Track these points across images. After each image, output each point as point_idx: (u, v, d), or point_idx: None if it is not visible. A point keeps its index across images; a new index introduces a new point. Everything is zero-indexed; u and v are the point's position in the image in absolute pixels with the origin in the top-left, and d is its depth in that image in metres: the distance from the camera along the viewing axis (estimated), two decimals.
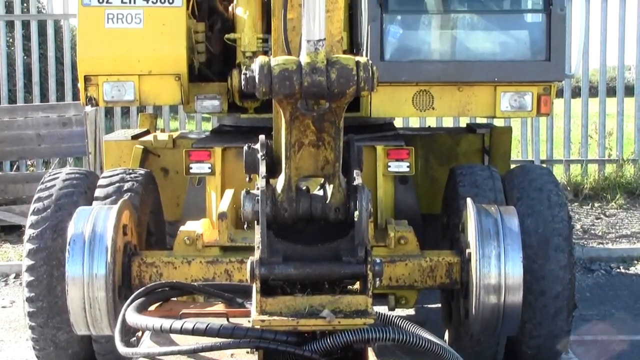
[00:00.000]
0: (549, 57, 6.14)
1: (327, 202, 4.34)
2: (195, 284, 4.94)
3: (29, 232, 5.52)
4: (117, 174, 5.92)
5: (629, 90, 12.84)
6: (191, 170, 6.03)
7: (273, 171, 4.46)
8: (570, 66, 9.62)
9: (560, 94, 12.14)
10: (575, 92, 13.83)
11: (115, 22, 5.96)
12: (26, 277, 5.44)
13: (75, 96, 12.23)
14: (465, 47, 6.36)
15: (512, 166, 7.03)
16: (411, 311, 7.20)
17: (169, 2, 5.99)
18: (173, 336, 4.15)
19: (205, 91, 6.41)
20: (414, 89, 6.19)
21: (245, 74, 4.07)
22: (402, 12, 6.36)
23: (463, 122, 10.45)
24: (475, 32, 6.48)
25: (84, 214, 5.05)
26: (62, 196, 5.65)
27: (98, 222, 4.96)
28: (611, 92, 12.77)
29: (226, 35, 6.34)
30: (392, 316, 4.51)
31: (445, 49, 6.36)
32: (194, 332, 3.96)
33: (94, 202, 5.64)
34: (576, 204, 11.49)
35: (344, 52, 4.38)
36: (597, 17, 12.36)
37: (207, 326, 3.95)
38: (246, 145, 4.59)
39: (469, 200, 5.12)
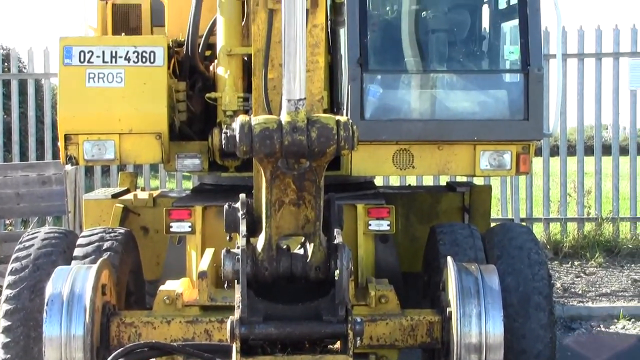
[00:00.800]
0: (527, 116, 6.20)
1: (308, 261, 4.32)
2: (174, 344, 4.89)
3: (6, 293, 5.46)
4: (97, 233, 5.88)
5: (607, 149, 12.94)
6: (171, 229, 6.00)
7: (253, 230, 4.45)
8: (548, 125, 9.70)
9: (539, 152, 12.22)
10: (554, 151, 13.93)
11: (96, 81, 5.98)
12: (2, 339, 5.37)
13: (55, 155, 12.20)
14: (444, 106, 6.41)
15: (492, 224, 7.04)
16: None
17: (150, 62, 6.01)
18: None
19: (186, 150, 6.41)
20: (394, 148, 6.22)
21: (226, 133, 4.07)
22: (382, 72, 6.41)
23: (443, 181, 10.48)
24: (454, 91, 6.53)
25: (62, 274, 5.01)
26: (40, 256, 5.60)
27: (77, 282, 4.92)
28: (589, 150, 12.87)
29: (207, 94, 6.36)
30: None
31: (425, 108, 6.40)
32: None
33: (73, 262, 5.59)
34: (556, 262, 11.51)
35: (325, 111, 4.41)
36: (574, 77, 12.49)
37: None
38: (227, 204, 4.58)
39: (449, 258, 5.12)
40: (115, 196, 7.31)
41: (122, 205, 6.94)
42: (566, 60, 12.25)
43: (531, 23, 6.23)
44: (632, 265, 11.43)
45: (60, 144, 6.09)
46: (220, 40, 6.31)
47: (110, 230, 6.01)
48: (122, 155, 6.07)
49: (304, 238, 4.36)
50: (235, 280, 4.28)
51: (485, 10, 6.93)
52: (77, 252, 5.71)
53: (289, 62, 4.01)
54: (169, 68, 6.20)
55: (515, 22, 6.41)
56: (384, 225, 6.04)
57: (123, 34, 7.05)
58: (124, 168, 11.28)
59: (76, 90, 5.99)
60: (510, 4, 6.63)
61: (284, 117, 4.03)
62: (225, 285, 4.45)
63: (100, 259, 5.15)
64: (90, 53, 5.99)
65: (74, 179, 10.65)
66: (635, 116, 12.57)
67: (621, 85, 12.48)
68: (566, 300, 9.71)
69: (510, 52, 6.65)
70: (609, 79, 12.50)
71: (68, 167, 9.25)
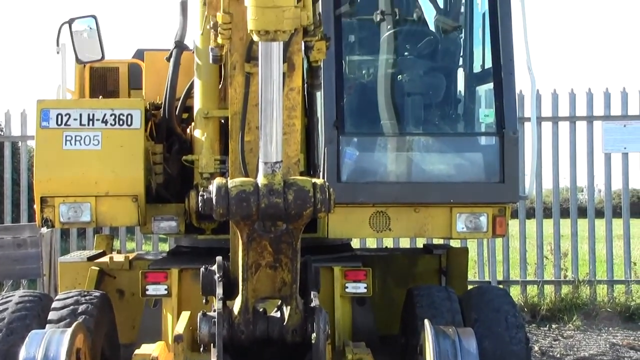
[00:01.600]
0: (502, 179, 6.24)
1: (285, 324, 4.30)
2: None
3: None
4: (72, 297, 5.83)
5: (583, 212, 13.01)
6: (147, 292, 5.96)
7: (230, 293, 4.43)
8: (524, 187, 9.76)
9: (515, 214, 12.27)
10: (530, 213, 13.98)
11: (73, 144, 5.98)
12: None
13: (31, 217, 12.13)
14: (420, 168, 6.45)
15: (469, 287, 7.04)
16: None
17: (128, 124, 6.03)
18: None
19: (162, 212, 6.40)
20: (371, 210, 6.23)
21: (203, 196, 4.08)
22: (358, 135, 6.45)
23: (420, 243, 10.48)
24: (430, 154, 6.57)
25: (36, 338, 4.94)
26: (14, 320, 5.54)
27: (51, 346, 4.86)
28: (565, 213, 12.93)
29: (184, 157, 6.37)
30: None
31: (401, 170, 6.44)
32: None
33: (48, 326, 5.53)
34: (533, 325, 11.48)
35: (301, 174, 4.41)
36: (549, 139, 12.60)
37: None
38: (203, 266, 4.56)
39: (426, 321, 5.10)
40: (91, 259, 7.27)
41: (97, 268, 6.89)
42: (541, 123, 12.37)
43: (505, 86, 6.31)
44: (610, 328, 11.42)
45: (36, 206, 6.06)
46: (198, 103, 6.34)
47: (86, 293, 5.97)
48: (98, 217, 6.05)
49: (280, 301, 4.35)
50: (212, 344, 4.24)
51: (461, 73, 7.01)
52: (52, 315, 5.66)
53: (266, 125, 4.03)
54: (146, 130, 6.21)
55: (490, 85, 6.49)
56: (361, 288, 6.02)
57: (100, 96, 7.08)
58: (100, 230, 11.22)
59: (53, 153, 5.99)
60: (485, 67, 6.72)
61: (261, 180, 4.04)
62: (202, 348, 4.41)
63: (75, 323, 5.09)
64: (68, 116, 6.00)
65: (49, 241, 10.58)
66: (610, 179, 12.66)
67: (595, 148, 12.60)
68: None
69: (486, 115, 6.72)
70: (583, 142, 12.62)
71: (44, 229, 9.20)
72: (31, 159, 11.70)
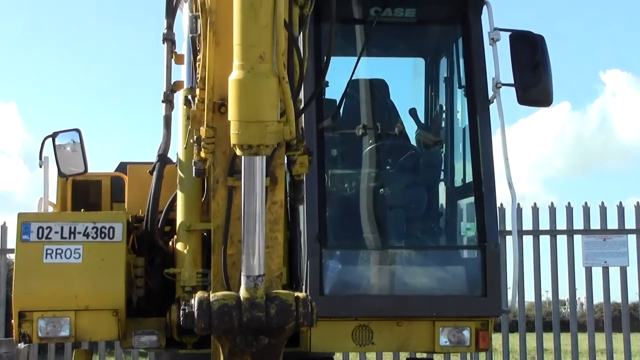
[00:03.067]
0: (485, 292, 6.22)
1: None
2: None
3: None
4: None
5: (565, 325, 12.95)
6: None
7: None
8: (506, 301, 9.73)
9: (498, 328, 12.20)
10: (513, 327, 13.91)
11: (54, 257, 5.92)
12: None
13: (8, 333, 11.94)
14: (403, 282, 6.43)
15: None
16: None
17: (109, 237, 6.00)
18: None
19: (143, 326, 6.31)
20: (354, 324, 6.18)
21: (184, 309, 4.04)
22: (341, 248, 6.45)
23: (403, 357, 10.36)
24: (413, 267, 6.57)
25: None
26: None
27: None
28: (548, 326, 12.87)
29: (166, 270, 6.32)
30: None
31: (383, 283, 6.42)
32: None
33: None
34: None
35: (284, 287, 4.39)
36: (530, 253, 12.65)
37: None
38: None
39: None
40: None
41: None
42: (522, 236, 12.43)
43: (486, 200, 6.35)
44: None
45: (14, 321, 5.97)
46: (180, 216, 6.33)
47: None
48: (77, 332, 5.96)
49: None
50: None
51: (442, 187, 7.06)
52: None
53: (248, 239, 4.03)
54: (128, 243, 6.18)
55: (471, 199, 6.54)
56: None
57: (83, 209, 7.06)
58: (78, 345, 11.05)
59: (33, 267, 5.93)
60: (466, 181, 6.77)
61: (243, 294, 4.01)
62: None
63: None
64: (49, 229, 5.97)
65: (26, 356, 10.41)
66: (591, 293, 12.67)
67: (576, 261, 12.64)
68: None
69: (467, 228, 6.74)
70: (564, 255, 12.66)
71: (21, 345, 9.05)
72: (10, 272, 11.58)
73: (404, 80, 7.74)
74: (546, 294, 13.66)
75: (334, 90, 6.84)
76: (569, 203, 12.76)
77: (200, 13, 4.63)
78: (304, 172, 5.13)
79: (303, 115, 4.72)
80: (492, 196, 6.38)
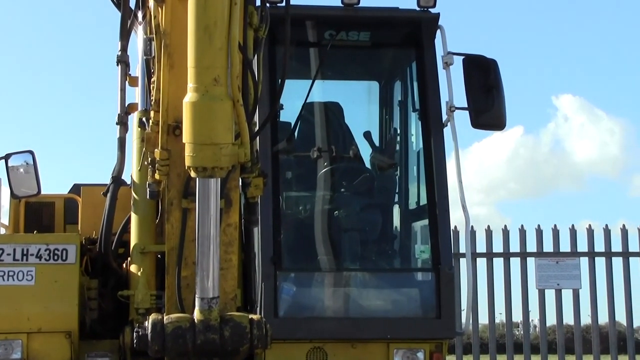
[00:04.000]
0: (439, 314, 6.25)
1: None
2: None
3: None
4: None
5: (518, 347, 13.04)
6: None
7: None
8: (460, 323, 9.79)
9: (452, 350, 12.24)
10: (467, 349, 13.99)
11: (6, 280, 5.86)
12: None
13: None
14: (358, 304, 6.44)
15: None
16: None
17: (63, 259, 5.95)
18: None
19: (96, 349, 6.26)
20: (308, 346, 6.18)
21: (138, 332, 4.02)
22: (296, 270, 6.46)
23: None
24: (367, 289, 6.58)
25: None
26: None
27: None
28: (501, 348, 12.95)
29: (119, 292, 6.28)
30: None
31: (338, 306, 6.43)
32: None
33: None
34: None
35: (238, 310, 4.38)
36: (483, 275, 12.73)
37: None
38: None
39: None
40: None
41: None
42: (475, 259, 12.51)
43: (440, 223, 6.39)
44: None
45: None
46: (134, 238, 6.30)
47: None
48: (29, 354, 5.89)
49: None
50: None
51: (397, 210, 7.10)
52: None
53: (203, 261, 4.03)
54: (81, 265, 6.13)
55: (426, 221, 6.58)
56: None
57: (35, 231, 7.00)
58: None
59: None
60: (420, 204, 6.82)
61: (197, 316, 4.00)
62: None
63: None
64: (1, 251, 5.91)
65: None
66: (544, 315, 12.77)
67: (529, 284, 12.74)
68: None
69: (421, 251, 6.78)
70: (517, 278, 12.76)
71: None
72: None
73: (359, 103, 7.78)
74: (500, 316, 13.80)
75: (289, 113, 6.86)
76: (522, 226, 12.89)
77: (154, 35, 4.63)
78: (258, 195, 5.13)
79: (258, 137, 4.74)
80: (446, 219, 6.42)
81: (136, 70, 6.51)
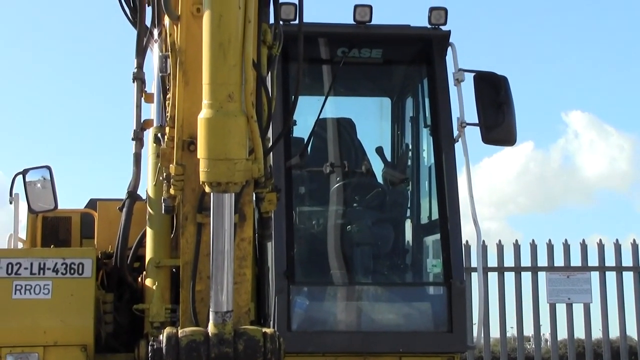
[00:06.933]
0: (450, 328, 6.24)
1: None
2: None
3: None
4: None
5: None
6: None
7: None
8: (472, 337, 9.76)
9: None
10: None
11: (23, 293, 5.88)
12: None
13: None
14: (370, 318, 6.43)
15: None
16: None
17: (79, 273, 5.96)
18: None
19: None
20: (321, 359, 6.17)
21: (153, 345, 4.03)
22: (309, 284, 6.46)
23: None
24: (379, 303, 6.58)
25: None
26: None
27: None
28: None
29: (135, 306, 6.29)
30: None
31: (350, 319, 6.42)
32: None
33: None
34: None
35: (252, 323, 4.38)
36: (495, 289, 12.70)
37: None
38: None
39: None
40: None
41: None
42: (487, 273, 12.48)
43: (452, 238, 6.39)
44: None
45: None
46: (149, 252, 6.31)
47: None
48: None
49: None
50: None
51: (408, 224, 7.09)
52: None
53: (217, 275, 4.03)
54: (97, 279, 6.14)
55: (437, 236, 6.58)
56: None
57: (52, 245, 7.02)
58: None
59: (2, 302, 5.87)
60: (432, 219, 6.81)
61: (211, 329, 4.00)
62: None
63: None
64: (19, 265, 5.93)
65: None
66: (555, 329, 12.72)
67: (540, 298, 12.70)
68: None
69: (433, 265, 6.77)
70: (529, 292, 12.73)
71: None
72: None
73: (371, 119, 7.80)
74: (511, 330, 13.73)
75: (302, 128, 6.88)
76: (533, 240, 12.86)
77: (170, 53, 4.65)
78: (272, 209, 5.14)
79: (271, 153, 4.75)
80: (457, 233, 6.41)
81: (152, 87, 6.54)
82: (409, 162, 7.23)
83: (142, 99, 6.52)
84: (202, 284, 4.48)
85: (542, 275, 12.69)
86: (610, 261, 12.85)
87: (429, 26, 6.60)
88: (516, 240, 12.82)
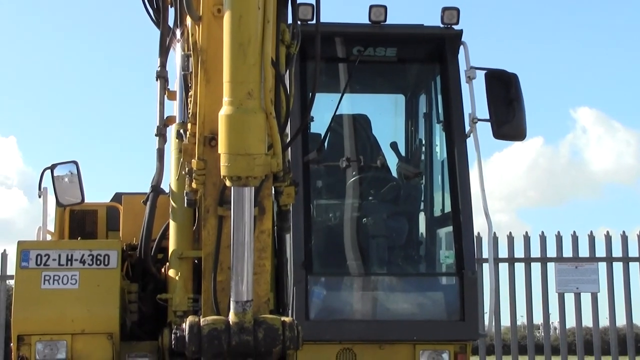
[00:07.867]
0: (463, 317, 6.23)
1: None
2: None
3: None
4: None
5: (539, 348, 12.95)
6: None
7: None
8: (483, 325, 9.74)
9: (475, 351, 12.18)
10: (490, 350, 13.89)
11: (51, 283, 5.90)
12: None
13: (7, 356, 11.85)
14: (385, 307, 6.43)
15: None
16: None
17: (105, 264, 5.98)
18: None
19: (136, 350, 6.28)
20: (338, 347, 6.17)
21: (176, 333, 4.03)
22: (326, 275, 6.45)
23: None
24: (394, 293, 6.57)
25: None
26: None
27: None
28: (523, 350, 12.86)
29: (158, 296, 6.30)
30: None
31: (366, 309, 6.42)
32: None
33: None
34: None
35: (271, 312, 4.38)
36: (505, 279, 12.67)
37: None
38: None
39: None
40: None
41: None
42: (498, 264, 12.44)
43: (464, 230, 6.37)
44: None
45: (13, 344, 5.93)
46: (172, 244, 6.32)
47: None
48: (73, 355, 5.92)
49: None
50: None
51: (422, 217, 7.08)
52: None
53: (237, 266, 4.03)
54: (122, 270, 6.16)
55: (450, 228, 6.56)
56: None
57: (79, 238, 7.04)
58: None
59: (31, 292, 5.90)
60: (445, 211, 6.79)
61: (232, 318, 4.01)
62: None
63: None
64: (47, 256, 5.95)
65: None
66: (564, 318, 12.68)
67: (550, 288, 12.66)
68: None
69: (446, 256, 6.76)
70: (538, 282, 12.68)
71: None
72: (10, 297, 11.51)
73: (385, 115, 7.78)
74: (521, 319, 13.68)
75: (319, 125, 6.87)
76: (542, 232, 12.81)
77: (192, 52, 4.66)
78: (290, 203, 5.14)
79: (289, 148, 4.74)
80: (469, 225, 6.40)
81: (174, 84, 6.54)
82: (423, 157, 7.21)
83: (165, 96, 6.52)
84: (223, 275, 4.48)
85: (551, 266, 12.65)
86: (617, 252, 12.79)
87: (441, 26, 6.57)
88: (526, 232, 12.80)
